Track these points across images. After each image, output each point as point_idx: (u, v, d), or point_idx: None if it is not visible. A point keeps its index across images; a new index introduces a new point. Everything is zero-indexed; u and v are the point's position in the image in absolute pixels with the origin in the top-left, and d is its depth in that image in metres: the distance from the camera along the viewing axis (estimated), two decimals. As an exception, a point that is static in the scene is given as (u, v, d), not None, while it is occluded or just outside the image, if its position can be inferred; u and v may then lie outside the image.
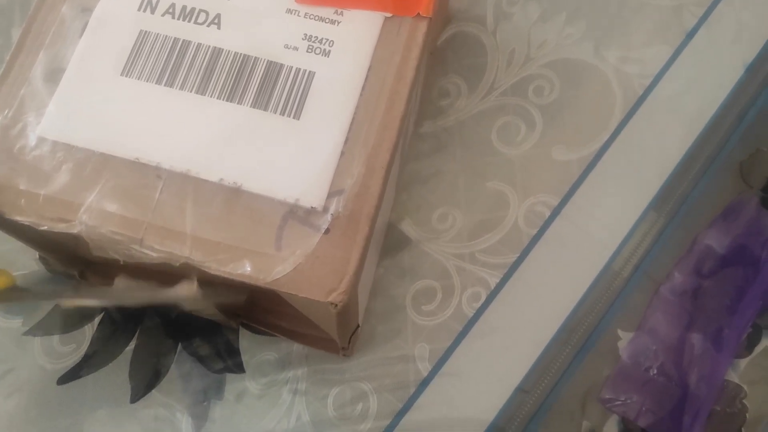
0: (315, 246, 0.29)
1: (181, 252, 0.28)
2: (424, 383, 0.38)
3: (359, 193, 0.29)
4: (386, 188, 0.32)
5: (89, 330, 0.39)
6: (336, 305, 0.28)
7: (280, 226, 0.29)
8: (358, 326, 0.37)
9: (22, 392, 0.38)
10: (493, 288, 0.40)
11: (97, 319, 0.39)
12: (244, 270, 0.28)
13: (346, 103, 0.31)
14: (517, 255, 0.40)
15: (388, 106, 0.31)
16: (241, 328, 0.39)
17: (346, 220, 0.29)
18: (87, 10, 0.31)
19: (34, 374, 0.38)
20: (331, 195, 0.29)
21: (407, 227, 0.41)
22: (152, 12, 0.31)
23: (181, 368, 0.38)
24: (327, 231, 0.29)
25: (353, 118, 0.30)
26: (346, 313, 0.30)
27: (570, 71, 0.44)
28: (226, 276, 0.28)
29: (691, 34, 0.46)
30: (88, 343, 0.39)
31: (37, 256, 0.39)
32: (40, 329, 0.39)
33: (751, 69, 0.45)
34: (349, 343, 0.37)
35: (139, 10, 0.31)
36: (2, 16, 0.45)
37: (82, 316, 0.39)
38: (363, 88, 0.31)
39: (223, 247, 0.29)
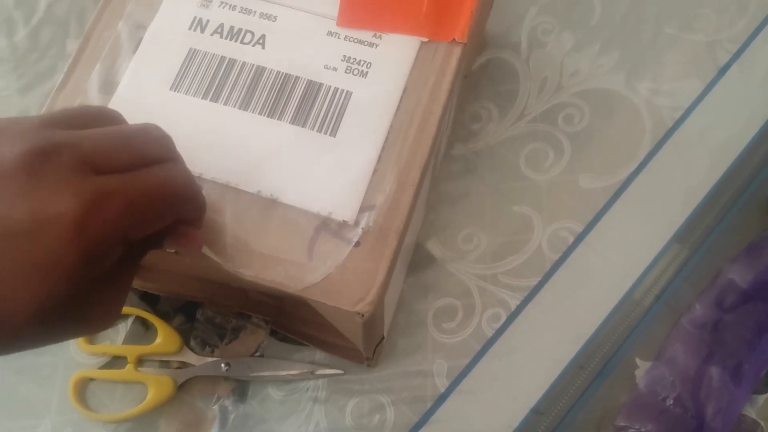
0: (345, 258, 0.30)
1: (218, 258, 0.30)
2: (441, 399, 0.39)
3: (390, 209, 0.31)
4: (416, 206, 0.33)
5: (123, 328, 0.41)
6: (363, 315, 0.29)
7: (313, 237, 0.30)
8: (383, 338, 0.38)
9: (56, 383, 0.40)
10: (513, 310, 0.41)
11: (130, 320, 0.41)
12: (277, 278, 0.29)
13: (381, 123, 0.32)
14: (539, 278, 0.41)
15: (421, 127, 0.32)
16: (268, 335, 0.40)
17: (376, 234, 0.30)
18: (141, 27, 0.33)
19: (68, 368, 0.40)
20: (362, 210, 0.31)
21: (433, 246, 0.42)
22: (202, 31, 0.33)
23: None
24: (357, 244, 0.30)
25: (387, 137, 0.32)
26: (372, 323, 0.31)
27: (601, 101, 0.45)
28: (259, 282, 0.30)
29: (723, 70, 0.46)
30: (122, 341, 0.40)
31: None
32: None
33: (782, 107, 0.45)
34: (374, 353, 0.38)
35: (189, 29, 0.33)
36: (59, 26, 0.48)
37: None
38: (397, 109, 0.32)
39: (258, 255, 0.30)
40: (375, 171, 0.31)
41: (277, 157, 0.31)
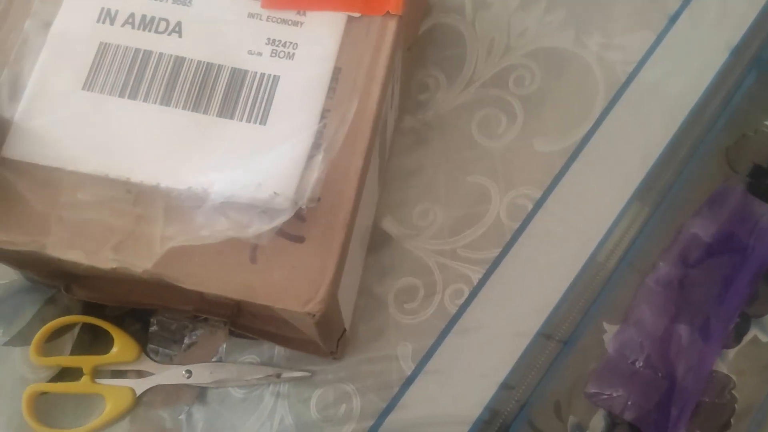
0: (290, 256, 0.28)
1: (155, 269, 0.28)
2: (408, 382, 0.38)
3: (334, 200, 0.29)
4: (366, 191, 0.32)
5: (70, 339, 0.39)
6: (314, 315, 0.28)
7: (254, 236, 0.29)
8: (345, 330, 0.37)
9: (3, 400, 0.38)
10: (475, 284, 0.40)
11: (76, 329, 0.39)
12: (219, 284, 0.28)
13: (314, 107, 0.30)
14: (500, 250, 0.40)
15: (360, 109, 0.30)
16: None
17: (322, 227, 0.29)
18: (48, 24, 0.31)
19: (15, 384, 0.38)
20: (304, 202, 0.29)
21: (388, 225, 0.41)
22: (111, 23, 0.31)
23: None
24: (302, 240, 0.29)
25: (324, 122, 0.30)
26: (326, 320, 0.29)
27: (551, 60, 0.44)
28: (200, 290, 0.28)
29: (674, 18, 0.45)
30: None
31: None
32: (20, 339, 0.39)
33: (736, 52, 0.44)
34: (338, 346, 0.37)
35: (98, 21, 0.31)
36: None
37: (63, 327, 0.39)
38: (333, 90, 0.30)
39: (197, 261, 0.28)
40: (314, 159, 0.29)
41: (206, 153, 0.29)
